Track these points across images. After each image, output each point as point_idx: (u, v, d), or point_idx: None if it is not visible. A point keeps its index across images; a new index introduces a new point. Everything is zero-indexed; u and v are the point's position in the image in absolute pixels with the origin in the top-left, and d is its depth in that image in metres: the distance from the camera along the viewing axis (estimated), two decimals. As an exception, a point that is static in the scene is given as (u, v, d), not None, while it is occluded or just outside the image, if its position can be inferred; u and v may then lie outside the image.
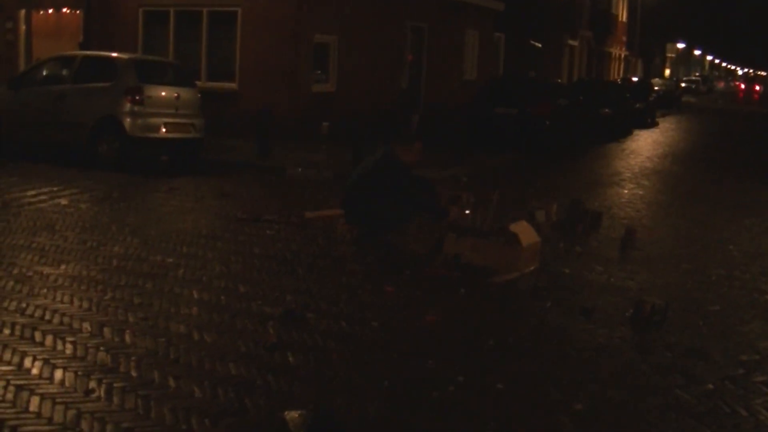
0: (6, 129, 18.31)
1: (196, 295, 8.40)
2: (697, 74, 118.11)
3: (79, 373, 6.25)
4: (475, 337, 7.67)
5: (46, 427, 5.36)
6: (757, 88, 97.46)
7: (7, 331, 7.09)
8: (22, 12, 26.10)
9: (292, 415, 5.48)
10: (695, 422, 6.02)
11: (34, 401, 5.71)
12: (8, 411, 5.55)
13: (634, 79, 59.49)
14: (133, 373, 6.30)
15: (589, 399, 6.34)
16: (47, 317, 7.53)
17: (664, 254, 11.67)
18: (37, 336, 7.01)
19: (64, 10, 25.87)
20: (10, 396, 5.78)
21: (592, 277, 10.11)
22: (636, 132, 34.88)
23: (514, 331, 7.92)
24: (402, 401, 6.08)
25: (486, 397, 6.26)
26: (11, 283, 8.53)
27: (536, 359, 7.18)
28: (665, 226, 14.19)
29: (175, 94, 17.60)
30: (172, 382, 6.15)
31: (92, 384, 6.04)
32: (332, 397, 6.05)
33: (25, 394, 5.81)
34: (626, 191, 18.05)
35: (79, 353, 6.68)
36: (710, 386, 6.73)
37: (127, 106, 16.80)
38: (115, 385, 6.05)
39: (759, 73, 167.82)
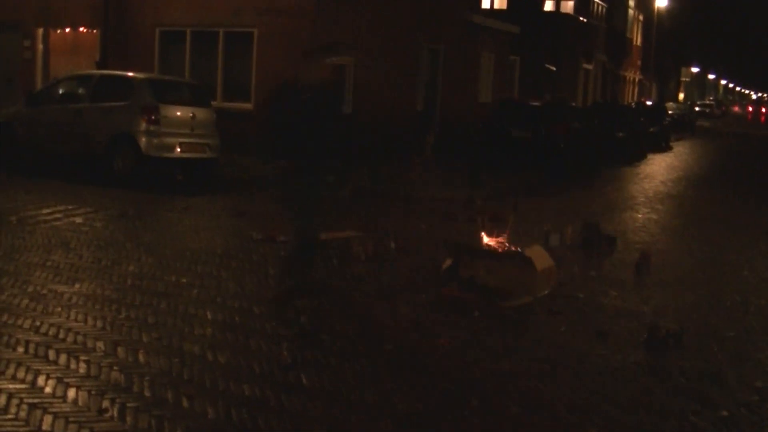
0: (23, 145, 18.40)
1: (210, 315, 8.40)
2: (711, 98, 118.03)
3: (93, 392, 6.25)
4: (489, 360, 7.65)
5: (60, 446, 5.36)
6: (764, 110, 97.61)
7: (21, 349, 7.10)
8: (40, 30, 26.27)
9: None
10: (711, 449, 6.00)
11: (47, 420, 5.71)
12: (21, 429, 5.55)
13: (649, 102, 59.49)
14: (147, 393, 6.29)
15: (604, 423, 6.31)
16: (61, 336, 7.54)
17: (679, 279, 11.62)
18: (51, 354, 7.02)
19: (81, 29, 26.00)
20: (23, 414, 5.78)
21: (607, 301, 10.07)
22: (650, 156, 34.83)
23: (528, 355, 7.89)
24: (416, 423, 6.07)
25: (501, 420, 6.24)
26: (26, 301, 8.55)
27: (551, 383, 7.14)
28: (680, 251, 14.13)
29: (191, 114, 17.66)
30: (185, 402, 6.14)
31: (105, 403, 6.04)
32: (347, 418, 6.04)
33: (38, 413, 5.81)
34: (640, 215, 18.00)
35: (92, 372, 6.68)
36: (725, 412, 6.69)
37: (143, 125, 16.86)
38: (128, 404, 6.04)
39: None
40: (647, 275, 11.57)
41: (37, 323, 7.84)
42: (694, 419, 6.49)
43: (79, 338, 7.49)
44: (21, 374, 6.52)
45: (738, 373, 7.73)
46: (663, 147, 39.55)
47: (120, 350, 7.23)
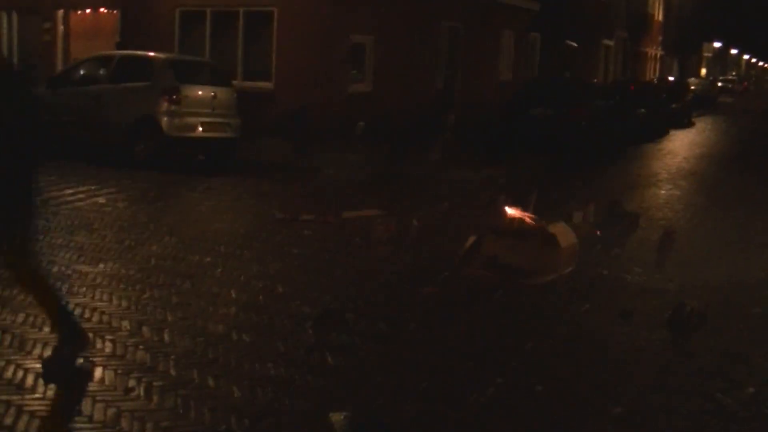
0: (44, 128, 18.41)
1: (234, 295, 8.42)
2: (734, 74, 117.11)
3: (119, 371, 6.28)
4: (513, 339, 7.64)
5: (87, 425, 5.39)
6: None
7: (47, 329, 7.12)
8: (60, 12, 26.30)
9: (336, 416, 5.48)
10: (737, 427, 5.97)
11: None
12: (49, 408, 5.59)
13: (671, 78, 59.10)
14: (172, 372, 6.32)
15: (629, 402, 6.28)
16: (86, 315, 7.58)
17: (703, 256, 11.54)
18: (77, 334, 7.05)
19: (102, 10, 26.03)
20: (50, 393, 5.81)
21: (631, 279, 10.03)
22: (672, 132, 34.61)
23: (552, 333, 7.88)
24: (441, 402, 6.06)
25: (525, 399, 6.23)
26: (51, 281, 8.55)
27: (575, 361, 7.14)
28: (704, 228, 14.06)
29: (212, 94, 17.67)
30: (211, 382, 6.17)
31: (132, 382, 6.08)
32: (371, 397, 6.04)
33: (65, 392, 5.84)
34: (663, 192, 17.92)
35: (118, 351, 6.72)
36: (751, 390, 6.66)
37: (164, 105, 16.88)
38: (154, 383, 6.07)
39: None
40: (671, 253, 11.51)
41: (63, 303, 7.87)
42: (721, 397, 6.46)
43: (105, 318, 7.54)
44: (47, 354, 6.54)
45: (764, 350, 7.68)
46: (685, 123, 39.27)
47: (145, 330, 7.26)
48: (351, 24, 23.38)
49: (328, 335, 7.33)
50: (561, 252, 9.73)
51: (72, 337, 6.47)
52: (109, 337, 7.02)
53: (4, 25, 27.62)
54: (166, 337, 7.12)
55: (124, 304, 8.00)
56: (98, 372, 6.24)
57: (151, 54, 18.55)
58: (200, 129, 17.32)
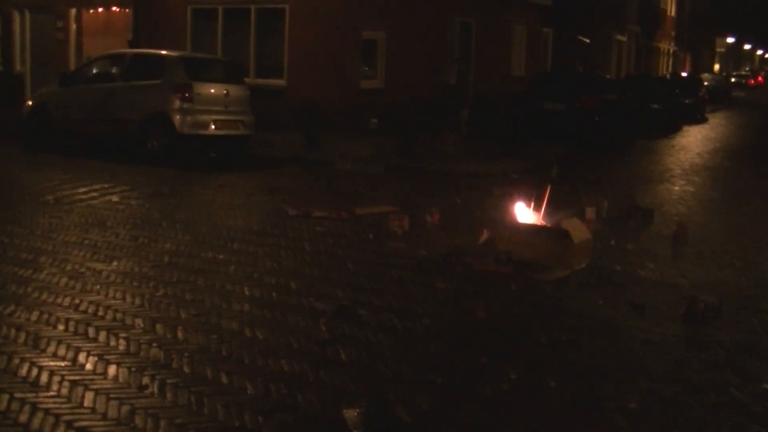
0: (58, 126, 18.51)
1: (247, 292, 8.43)
2: (747, 69, 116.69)
3: (133, 368, 6.30)
4: (526, 334, 7.64)
5: (101, 423, 5.40)
6: None
7: (61, 327, 7.16)
8: (72, 11, 26.39)
9: (350, 413, 5.48)
10: (750, 421, 5.95)
11: (89, 396, 5.76)
12: (63, 406, 5.60)
13: (683, 74, 58.91)
14: (186, 369, 6.33)
15: (642, 396, 6.28)
16: (100, 313, 7.60)
17: (716, 251, 11.52)
18: (91, 332, 7.08)
19: (114, 8, 26.09)
20: (65, 391, 5.83)
21: (644, 273, 10.01)
22: (685, 128, 34.53)
23: (565, 328, 7.87)
24: (455, 397, 6.07)
25: (538, 393, 6.23)
26: (65, 279, 8.61)
27: (588, 356, 7.13)
28: (717, 223, 14.03)
29: (224, 91, 17.69)
30: (224, 379, 6.17)
31: (146, 380, 6.09)
32: (385, 392, 6.04)
33: (79, 390, 5.86)
34: (677, 187, 17.87)
35: (132, 349, 6.73)
36: (765, 385, 6.64)
37: (177, 103, 16.91)
38: (168, 381, 6.08)
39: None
40: (684, 247, 11.49)
41: (77, 301, 7.90)
42: (734, 391, 6.44)
43: (118, 315, 7.55)
44: (62, 352, 6.58)
45: (778, 345, 7.67)
46: (698, 119, 39.19)
47: (159, 327, 7.28)
48: (363, 20, 23.38)
49: (342, 331, 7.34)
50: (574, 247, 9.73)
51: None
52: (122, 334, 7.03)
53: (17, 23, 27.71)
54: (180, 334, 7.13)
55: (137, 301, 8.02)
56: (112, 370, 6.26)
57: (163, 52, 18.60)
58: (213, 127, 17.35)
